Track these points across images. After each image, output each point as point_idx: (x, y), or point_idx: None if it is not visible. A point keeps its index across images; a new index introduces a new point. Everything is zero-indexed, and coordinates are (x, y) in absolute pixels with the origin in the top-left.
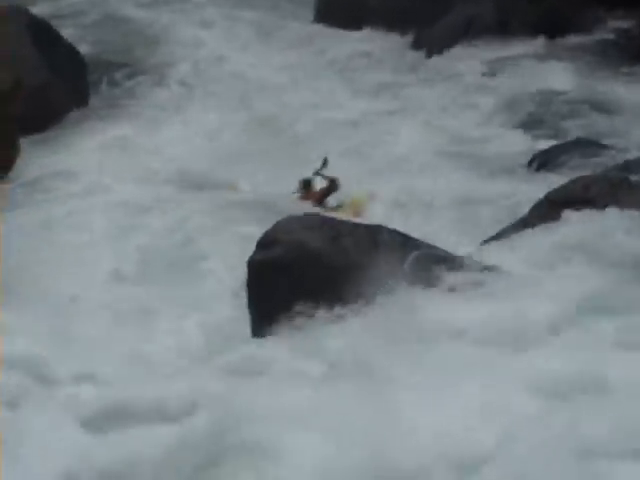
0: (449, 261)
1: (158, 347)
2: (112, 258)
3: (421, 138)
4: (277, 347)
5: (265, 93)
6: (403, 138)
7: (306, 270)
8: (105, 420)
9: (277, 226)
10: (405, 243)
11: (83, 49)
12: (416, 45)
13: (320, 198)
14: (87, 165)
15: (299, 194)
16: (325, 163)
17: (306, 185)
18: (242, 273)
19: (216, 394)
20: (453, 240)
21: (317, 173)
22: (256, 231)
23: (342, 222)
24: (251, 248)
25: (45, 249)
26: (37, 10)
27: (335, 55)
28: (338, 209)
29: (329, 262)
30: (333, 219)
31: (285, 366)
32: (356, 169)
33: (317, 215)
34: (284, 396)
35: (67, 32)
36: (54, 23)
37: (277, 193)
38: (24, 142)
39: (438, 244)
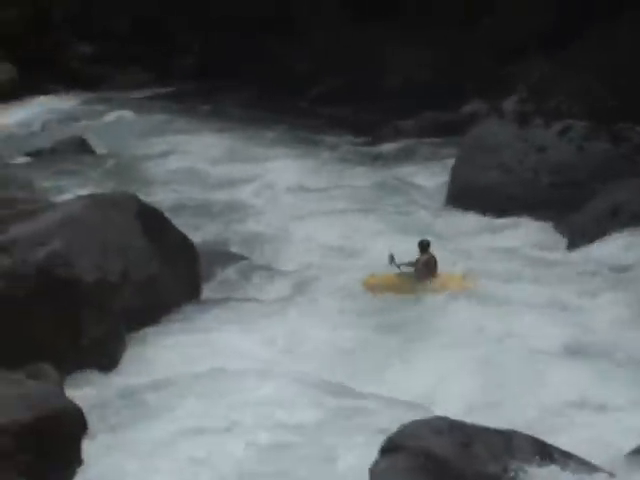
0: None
1: None
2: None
3: (552, 332)
4: None
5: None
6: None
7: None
8: None
9: (402, 430)
10: (542, 450)
11: (194, 238)
12: (557, 233)
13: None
14: (194, 370)
15: (421, 256)
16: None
17: (425, 246)
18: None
19: None
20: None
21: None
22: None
23: (472, 426)
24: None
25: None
26: (147, 197)
27: (468, 245)
28: (450, 279)
29: (459, 471)
30: (461, 422)
31: None
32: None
33: (445, 418)
34: None
35: (178, 220)
36: (165, 211)
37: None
38: (131, 336)
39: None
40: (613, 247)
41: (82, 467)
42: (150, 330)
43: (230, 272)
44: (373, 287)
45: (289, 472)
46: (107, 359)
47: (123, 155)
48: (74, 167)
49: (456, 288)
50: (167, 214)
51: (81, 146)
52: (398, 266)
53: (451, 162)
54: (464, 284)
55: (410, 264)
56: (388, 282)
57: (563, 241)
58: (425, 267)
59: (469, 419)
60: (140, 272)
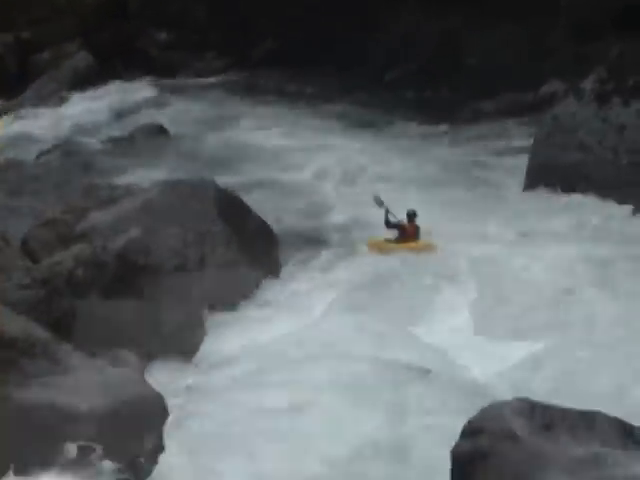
0: None
1: None
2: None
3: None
4: None
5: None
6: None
7: (516, 462)
8: None
9: (484, 412)
10: (626, 432)
11: (272, 220)
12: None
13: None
14: (272, 353)
15: (405, 223)
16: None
17: (411, 216)
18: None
19: None
20: None
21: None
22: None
23: (554, 407)
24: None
25: None
26: (224, 180)
27: (546, 225)
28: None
29: (540, 453)
30: (543, 404)
31: None
32: None
33: (527, 400)
34: None
35: (256, 204)
36: (242, 195)
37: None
38: (212, 320)
39: None
40: None
41: (164, 454)
42: (230, 315)
43: (307, 256)
44: (375, 248)
45: (368, 452)
46: (187, 345)
47: (199, 140)
48: (151, 153)
49: (425, 249)
50: (243, 197)
51: (158, 132)
52: (387, 211)
53: (529, 143)
54: (431, 246)
55: (397, 225)
56: (385, 245)
57: None
58: (411, 233)
59: (551, 400)
60: (219, 257)
